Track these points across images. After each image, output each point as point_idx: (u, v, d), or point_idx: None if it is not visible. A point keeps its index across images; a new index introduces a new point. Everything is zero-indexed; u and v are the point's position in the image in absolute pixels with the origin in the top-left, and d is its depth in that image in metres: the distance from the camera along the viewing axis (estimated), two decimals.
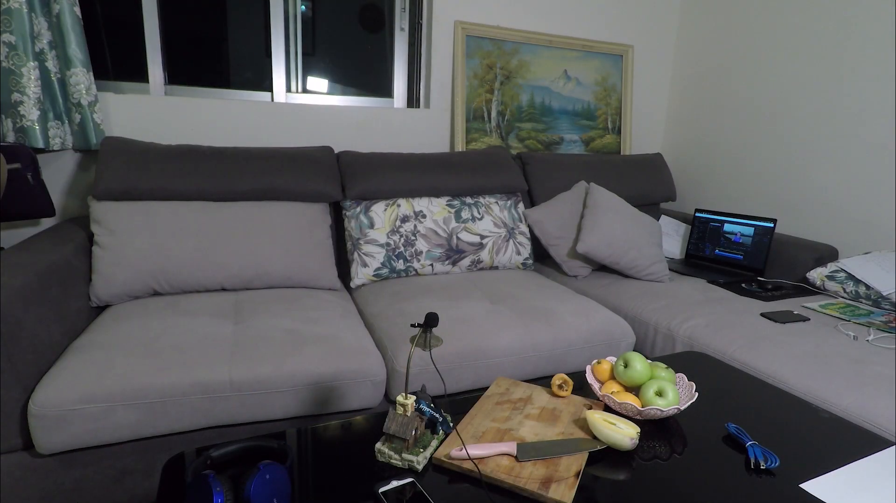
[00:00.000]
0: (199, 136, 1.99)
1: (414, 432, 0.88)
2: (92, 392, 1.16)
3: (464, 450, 0.88)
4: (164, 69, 2.02)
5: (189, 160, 1.75)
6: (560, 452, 0.90)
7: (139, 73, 1.99)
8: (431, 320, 0.90)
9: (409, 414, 0.89)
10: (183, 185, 1.71)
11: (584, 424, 1.00)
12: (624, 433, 0.92)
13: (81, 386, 1.16)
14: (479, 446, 0.90)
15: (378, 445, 0.89)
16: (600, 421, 0.95)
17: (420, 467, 0.86)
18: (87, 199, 1.69)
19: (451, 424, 0.96)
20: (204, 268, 1.66)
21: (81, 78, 1.70)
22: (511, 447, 0.90)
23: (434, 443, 0.92)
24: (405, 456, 0.86)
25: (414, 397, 0.90)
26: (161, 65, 2.00)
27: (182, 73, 2.09)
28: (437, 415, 0.93)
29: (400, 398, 0.89)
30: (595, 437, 0.95)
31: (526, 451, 0.90)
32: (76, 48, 1.68)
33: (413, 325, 0.89)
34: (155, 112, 1.93)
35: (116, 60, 2.01)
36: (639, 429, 0.94)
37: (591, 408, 1.06)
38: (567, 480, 0.84)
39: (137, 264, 1.60)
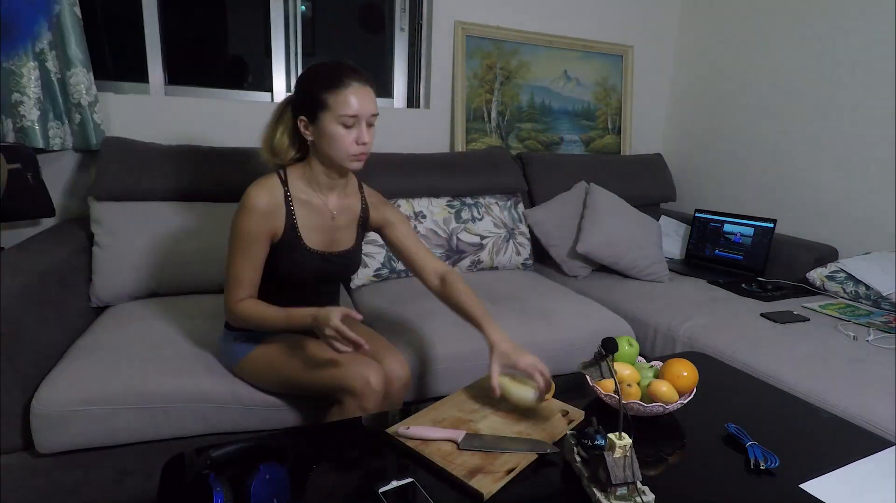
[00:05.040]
0: (199, 136, 1.99)
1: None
2: (95, 394, 1.16)
3: (410, 428, 0.93)
4: (164, 69, 2.02)
5: (189, 160, 1.75)
6: (503, 448, 0.91)
7: (139, 73, 1.99)
8: (610, 346, 0.90)
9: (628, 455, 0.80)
10: (183, 185, 1.71)
11: (550, 429, 0.99)
12: (529, 387, 1.01)
13: (85, 387, 1.16)
14: (426, 428, 0.94)
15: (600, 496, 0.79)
16: (508, 382, 1.03)
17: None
18: (87, 199, 1.69)
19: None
20: (204, 268, 1.66)
21: (81, 78, 1.70)
22: (458, 435, 0.93)
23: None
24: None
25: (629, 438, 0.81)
26: (161, 65, 2.00)
27: (182, 73, 2.09)
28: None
29: (613, 437, 0.81)
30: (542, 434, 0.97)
31: (470, 441, 0.92)
32: (76, 48, 1.68)
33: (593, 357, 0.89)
34: (155, 112, 1.93)
35: (116, 60, 2.01)
36: (540, 386, 1.01)
37: (566, 413, 1.05)
38: (496, 474, 0.84)
39: (137, 264, 1.60)
